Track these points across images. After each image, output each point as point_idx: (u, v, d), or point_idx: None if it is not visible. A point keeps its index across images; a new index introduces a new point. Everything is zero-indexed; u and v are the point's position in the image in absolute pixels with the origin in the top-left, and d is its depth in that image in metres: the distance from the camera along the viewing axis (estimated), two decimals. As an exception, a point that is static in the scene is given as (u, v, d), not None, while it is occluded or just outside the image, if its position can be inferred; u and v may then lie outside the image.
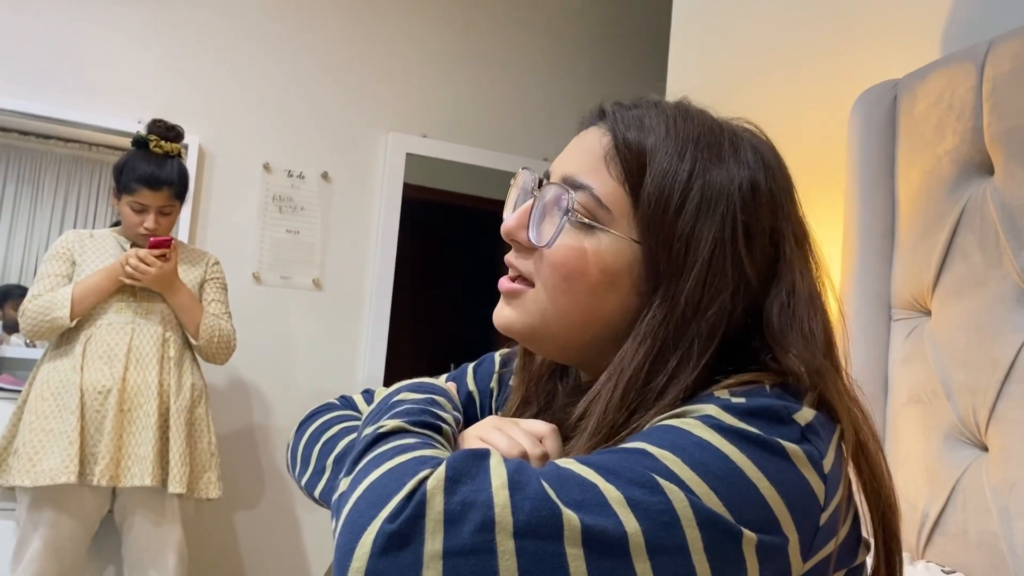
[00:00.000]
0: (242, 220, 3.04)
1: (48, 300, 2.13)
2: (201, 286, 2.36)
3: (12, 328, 2.73)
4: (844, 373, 0.65)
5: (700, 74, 2.27)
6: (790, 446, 0.55)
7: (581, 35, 3.66)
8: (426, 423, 0.62)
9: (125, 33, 2.89)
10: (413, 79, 3.34)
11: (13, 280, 2.80)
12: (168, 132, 2.27)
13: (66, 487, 2.06)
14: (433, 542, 0.47)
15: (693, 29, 2.31)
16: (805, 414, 0.58)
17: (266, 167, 3.08)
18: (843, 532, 0.59)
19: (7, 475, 2.09)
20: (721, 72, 2.19)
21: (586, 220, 0.65)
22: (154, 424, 2.13)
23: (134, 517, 2.18)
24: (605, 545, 0.48)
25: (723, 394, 0.59)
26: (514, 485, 0.49)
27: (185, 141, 2.40)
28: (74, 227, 2.88)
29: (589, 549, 0.48)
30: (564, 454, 0.65)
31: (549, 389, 0.76)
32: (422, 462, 0.53)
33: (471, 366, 0.90)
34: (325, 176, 3.17)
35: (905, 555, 1.31)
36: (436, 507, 0.48)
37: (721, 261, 0.62)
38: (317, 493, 0.76)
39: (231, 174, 3.02)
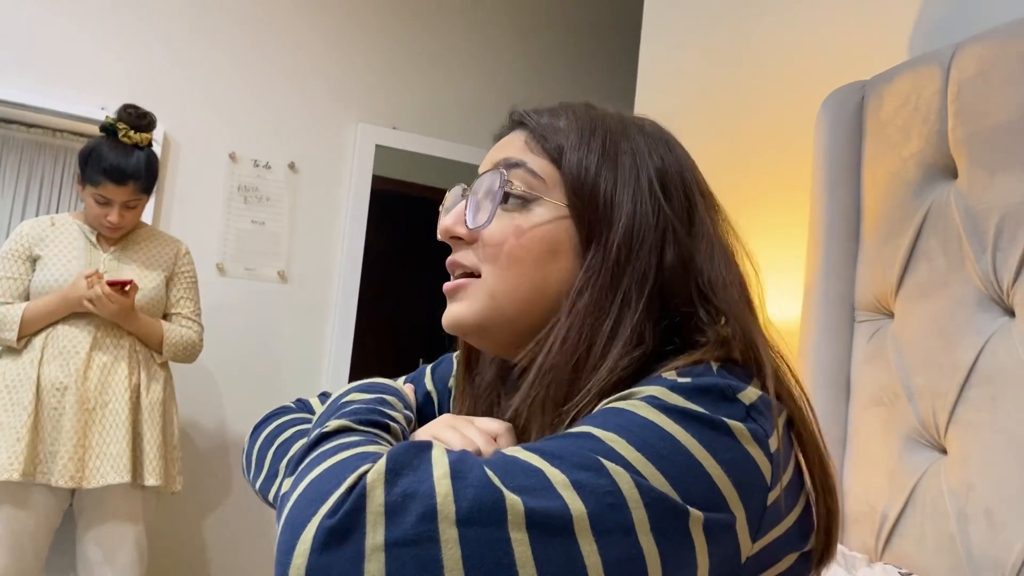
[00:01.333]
0: (207, 210, 2.99)
1: None
2: (170, 279, 2.31)
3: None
4: (766, 328, 0.68)
5: (670, 72, 2.26)
6: (735, 424, 0.55)
7: (551, 30, 3.65)
8: (373, 421, 0.62)
9: (90, 18, 2.83)
10: (383, 70, 3.30)
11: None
12: (139, 120, 2.18)
13: (22, 484, 2.01)
14: (374, 535, 0.46)
15: (664, 24, 2.31)
16: (750, 393, 0.58)
17: (232, 156, 3.03)
18: (794, 515, 0.59)
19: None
20: (691, 70, 2.19)
21: (523, 191, 0.68)
22: (126, 421, 2.09)
23: (94, 512, 2.14)
24: (550, 527, 0.47)
25: (670, 375, 0.59)
26: (456, 474, 0.49)
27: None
28: (36, 214, 2.81)
29: (533, 532, 0.47)
30: None
31: (492, 397, 0.76)
32: (363, 457, 0.52)
33: (429, 367, 0.90)
34: (292, 166, 3.13)
35: (863, 557, 1.32)
36: (377, 499, 0.47)
37: (643, 208, 0.66)
38: (271, 497, 0.76)
39: (196, 163, 2.96)
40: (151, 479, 2.12)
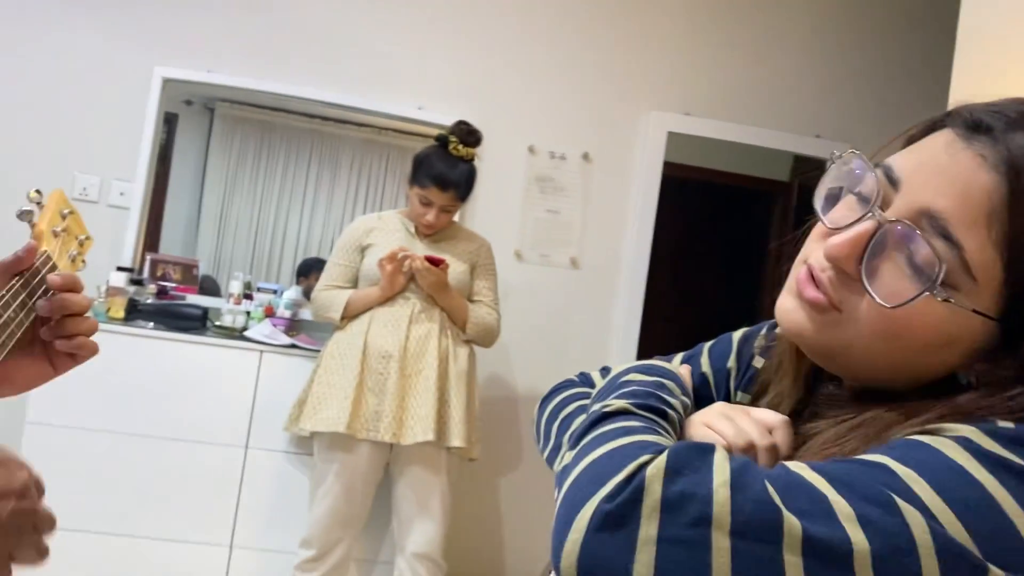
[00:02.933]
0: (507, 200, 3.20)
1: (328, 299, 2.45)
2: (473, 269, 2.54)
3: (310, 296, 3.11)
4: None
5: (995, 46, 2.01)
6: None
7: (855, 5, 3.39)
8: (651, 407, 0.63)
9: (408, 26, 3.15)
10: (675, 56, 3.29)
11: (313, 253, 3.18)
12: (468, 136, 2.45)
13: (353, 438, 2.33)
14: (648, 527, 0.48)
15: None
16: None
17: (531, 149, 3.21)
18: None
19: (298, 421, 2.42)
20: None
21: (949, 292, 0.55)
22: (434, 386, 2.35)
23: (410, 468, 2.42)
24: (827, 557, 0.45)
25: (989, 417, 0.53)
26: (737, 485, 0.48)
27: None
28: (364, 205, 3.20)
29: (809, 558, 0.46)
30: (794, 451, 0.63)
31: (807, 384, 0.72)
32: (643, 447, 0.53)
33: (707, 346, 0.88)
34: (586, 157, 3.24)
35: None
36: (654, 494, 0.48)
37: None
38: (555, 468, 0.78)
39: (499, 156, 3.18)
40: (455, 440, 2.36)
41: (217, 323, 2.81)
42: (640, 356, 3.19)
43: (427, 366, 2.37)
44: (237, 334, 2.74)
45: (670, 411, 0.64)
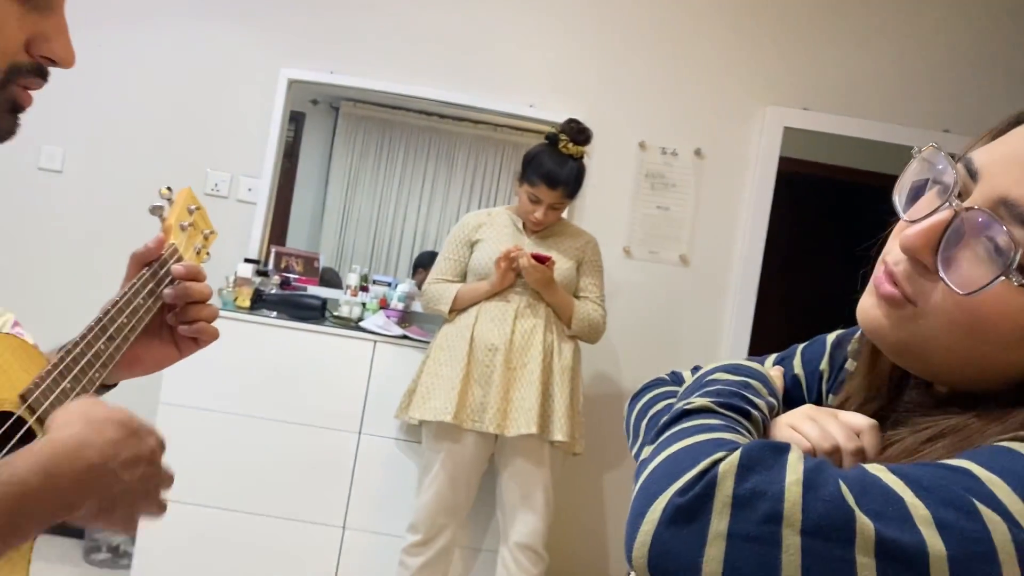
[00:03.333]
0: (616, 196, 3.19)
1: (438, 292, 2.52)
2: (579, 265, 2.55)
3: (423, 288, 3.20)
4: None
5: None
6: None
7: (1000, -15, 3.19)
8: (734, 406, 0.63)
9: (521, 25, 3.19)
10: (793, 51, 3.20)
11: (429, 247, 3.27)
12: (578, 135, 2.47)
13: (459, 428, 2.39)
14: (719, 522, 0.48)
15: None
16: None
17: (641, 145, 3.19)
18: None
19: (408, 410, 2.50)
20: None
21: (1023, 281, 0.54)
22: (537, 379, 2.39)
23: (514, 459, 2.46)
24: (901, 561, 0.45)
25: None
26: (809, 484, 0.48)
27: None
28: (480, 200, 3.27)
29: (882, 561, 0.45)
30: (881, 453, 0.62)
31: (894, 386, 0.70)
32: (720, 444, 0.54)
33: (800, 347, 0.87)
34: (698, 152, 3.19)
35: None
36: (726, 490, 0.49)
37: None
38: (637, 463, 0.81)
39: (609, 152, 3.18)
40: (558, 435, 2.38)
41: (335, 313, 2.94)
42: (751, 356, 3.12)
43: (531, 360, 2.40)
44: (353, 324, 2.85)
45: (753, 411, 0.64)
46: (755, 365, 0.75)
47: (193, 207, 1.02)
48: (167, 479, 0.74)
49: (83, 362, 0.77)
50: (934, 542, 0.45)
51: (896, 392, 0.70)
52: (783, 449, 0.52)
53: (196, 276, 0.92)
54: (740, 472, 0.50)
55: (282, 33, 3.17)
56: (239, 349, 2.66)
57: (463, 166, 3.28)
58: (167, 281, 0.90)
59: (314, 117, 3.26)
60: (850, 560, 0.46)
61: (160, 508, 0.73)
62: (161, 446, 0.73)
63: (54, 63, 0.69)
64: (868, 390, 0.71)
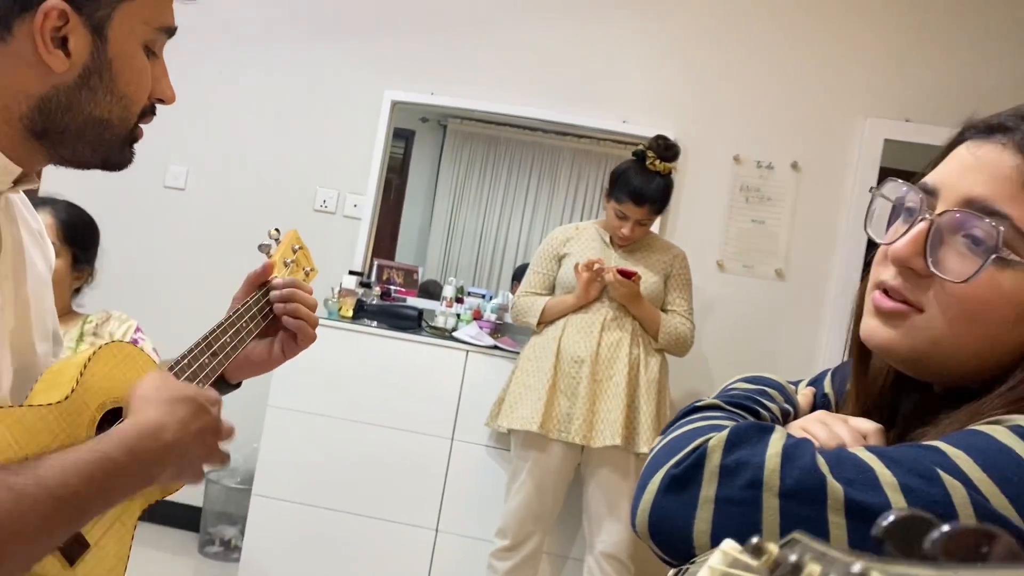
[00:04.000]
0: (710, 210, 3.19)
1: (526, 305, 2.60)
2: (667, 279, 2.58)
3: (518, 300, 3.27)
4: None
5: None
6: None
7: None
8: (743, 405, 0.69)
9: (614, 42, 3.25)
10: (893, 61, 3.12)
11: (530, 259, 3.34)
12: (666, 151, 2.49)
13: (546, 438, 2.46)
14: (708, 488, 0.56)
15: None
16: None
17: (736, 159, 3.18)
18: None
19: (497, 418, 2.59)
20: None
21: (1012, 257, 0.59)
22: (623, 392, 2.42)
23: (599, 470, 2.50)
24: (868, 520, 0.48)
25: None
26: (787, 455, 0.55)
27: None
28: (581, 213, 3.34)
29: (852, 519, 0.51)
30: None
31: (891, 399, 0.74)
32: (716, 428, 0.61)
33: (832, 369, 0.91)
34: (795, 166, 3.16)
35: None
36: (714, 461, 0.57)
37: None
38: None
39: (703, 166, 3.19)
40: (643, 447, 2.41)
41: (431, 324, 3.06)
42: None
43: (617, 372, 2.44)
44: (447, 334, 2.97)
45: (763, 411, 0.70)
46: (776, 378, 0.81)
47: (297, 247, 1.16)
48: (227, 433, 0.87)
49: (188, 373, 0.91)
50: (898, 503, 0.50)
51: (893, 406, 0.73)
52: (768, 429, 0.58)
53: (294, 286, 1.06)
54: (727, 447, 0.57)
55: (387, 57, 3.34)
56: (341, 356, 2.81)
57: (565, 179, 3.35)
58: (268, 309, 1.05)
59: (423, 134, 3.42)
60: (823, 519, 0.52)
61: (223, 459, 0.87)
62: (219, 409, 0.86)
63: (162, 102, 0.84)
64: (864, 402, 0.75)
